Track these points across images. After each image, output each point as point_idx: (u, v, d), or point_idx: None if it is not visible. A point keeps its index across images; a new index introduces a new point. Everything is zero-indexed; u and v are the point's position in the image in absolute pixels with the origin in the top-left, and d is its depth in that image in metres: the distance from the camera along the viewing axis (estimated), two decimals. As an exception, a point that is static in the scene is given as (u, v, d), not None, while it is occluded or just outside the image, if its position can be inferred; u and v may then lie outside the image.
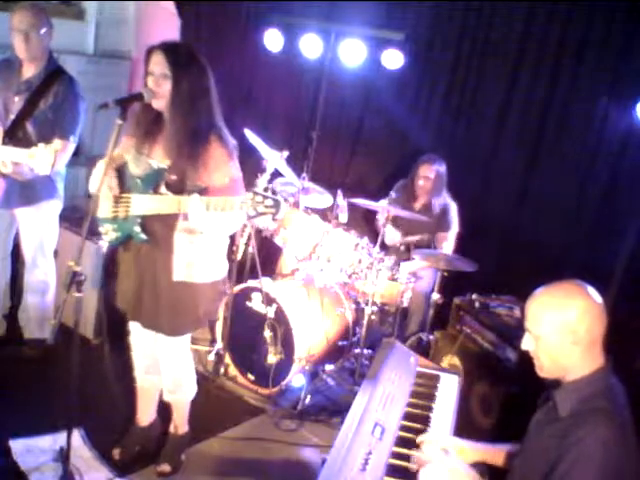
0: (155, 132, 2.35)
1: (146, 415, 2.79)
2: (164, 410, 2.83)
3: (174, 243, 2.37)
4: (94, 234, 3.51)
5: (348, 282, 3.65)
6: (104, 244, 2.47)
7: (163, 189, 2.29)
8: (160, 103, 2.27)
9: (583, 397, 1.61)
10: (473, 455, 1.95)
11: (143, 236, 2.34)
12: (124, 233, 2.39)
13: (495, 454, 1.97)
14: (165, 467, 2.68)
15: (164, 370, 2.63)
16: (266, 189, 2.02)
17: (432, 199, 3.96)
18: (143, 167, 2.34)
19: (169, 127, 2.29)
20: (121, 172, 2.41)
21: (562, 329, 1.61)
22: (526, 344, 1.71)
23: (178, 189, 2.28)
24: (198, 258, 2.42)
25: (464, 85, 4.09)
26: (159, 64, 2.23)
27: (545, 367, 1.69)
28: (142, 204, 2.31)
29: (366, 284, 3.54)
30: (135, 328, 2.62)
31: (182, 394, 2.69)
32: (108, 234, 2.43)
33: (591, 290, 1.66)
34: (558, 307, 1.63)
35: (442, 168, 3.94)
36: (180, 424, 2.76)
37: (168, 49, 2.24)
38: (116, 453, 2.70)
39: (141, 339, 2.63)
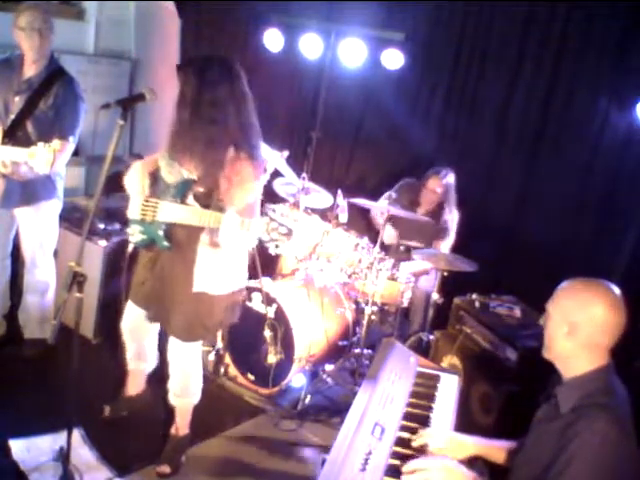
0: (189, 141, 2.36)
1: (133, 387, 2.93)
2: (166, 412, 2.84)
3: (197, 255, 2.40)
4: (94, 234, 3.54)
5: (348, 282, 3.65)
6: (129, 244, 2.52)
7: (191, 200, 2.32)
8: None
9: (584, 393, 1.64)
10: (472, 449, 1.96)
11: (166, 243, 2.36)
12: (149, 236, 2.41)
13: (495, 450, 1.98)
14: (165, 468, 2.69)
15: (173, 374, 2.66)
16: (282, 215, 2.11)
17: (440, 210, 3.96)
18: (175, 175, 2.37)
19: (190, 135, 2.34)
20: (154, 176, 2.45)
21: (565, 317, 1.67)
22: (542, 319, 1.81)
23: (205, 203, 2.30)
24: (218, 271, 2.46)
25: (464, 85, 4.08)
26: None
27: (545, 346, 1.78)
28: (172, 212, 2.33)
29: (366, 284, 3.54)
30: (130, 314, 2.67)
31: (188, 398, 2.72)
32: (135, 235, 2.45)
33: (617, 301, 1.66)
34: (575, 299, 1.68)
35: (451, 179, 3.94)
36: (182, 426, 2.78)
37: (180, 66, 2.41)
38: (107, 410, 2.83)
39: (133, 325, 2.69)
